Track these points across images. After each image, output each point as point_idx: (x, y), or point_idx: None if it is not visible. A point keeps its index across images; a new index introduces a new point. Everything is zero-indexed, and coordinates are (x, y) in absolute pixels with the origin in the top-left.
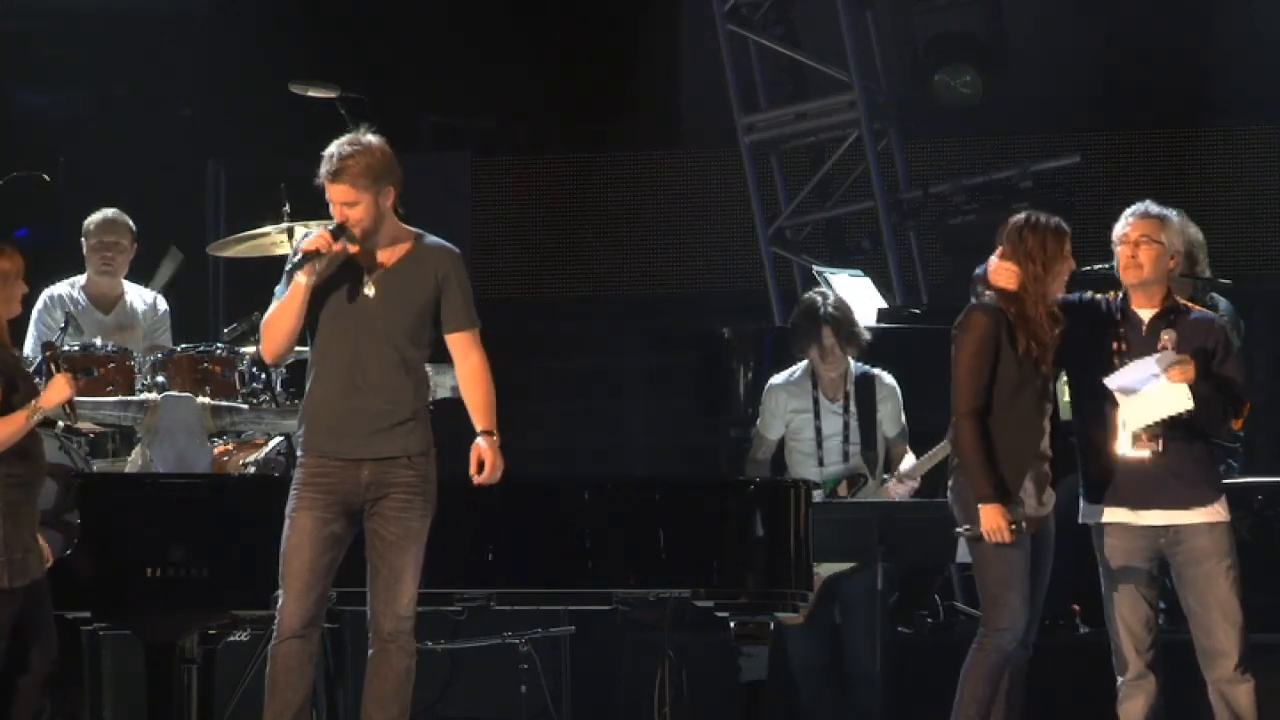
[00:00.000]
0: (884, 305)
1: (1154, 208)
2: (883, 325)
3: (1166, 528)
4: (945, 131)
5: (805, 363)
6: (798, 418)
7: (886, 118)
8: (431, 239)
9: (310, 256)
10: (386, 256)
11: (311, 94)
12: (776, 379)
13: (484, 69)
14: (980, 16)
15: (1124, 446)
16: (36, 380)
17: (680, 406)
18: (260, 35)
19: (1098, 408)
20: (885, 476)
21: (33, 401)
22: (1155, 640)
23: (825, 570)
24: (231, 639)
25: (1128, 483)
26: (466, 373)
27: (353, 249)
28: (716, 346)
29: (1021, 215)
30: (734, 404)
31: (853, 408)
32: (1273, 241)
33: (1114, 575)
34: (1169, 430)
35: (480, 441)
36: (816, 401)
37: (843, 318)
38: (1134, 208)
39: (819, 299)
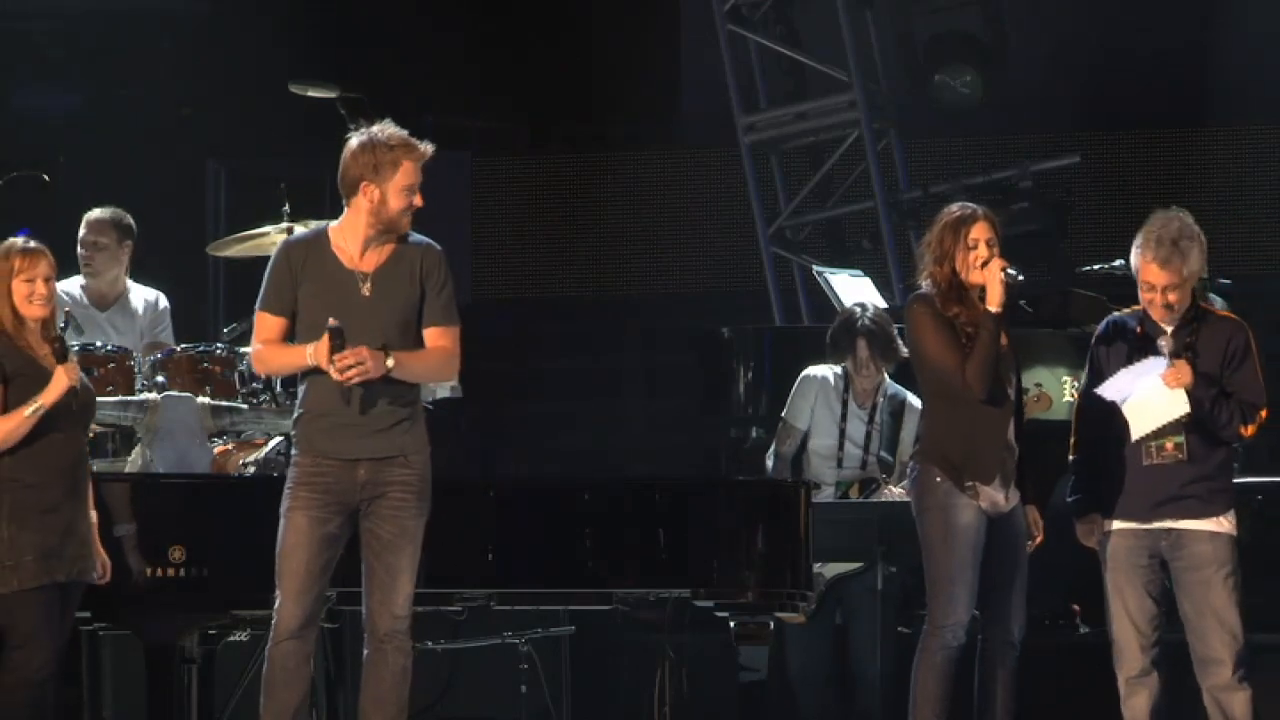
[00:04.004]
0: (884, 305)
1: (1169, 243)
2: None
3: (1169, 531)
4: (945, 131)
5: (844, 365)
6: (824, 414)
7: (886, 118)
8: (415, 236)
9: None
10: (375, 257)
11: (311, 94)
12: (814, 370)
13: (484, 69)
14: (980, 16)
15: (1148, 456)
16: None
17: (680, 406)
18: (260, 35)
19: (1118, 425)
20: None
21: (35, 398)
22: (1159, 639)
23: (830, 571)
24: (231, 639)
25: (1143, 493)
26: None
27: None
28: (716, 346)
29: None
30: (734, 404)
31: (879, 418)
32: (1273, 241)
33: (1118, 573)
34: (1192, 437)
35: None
36: (846, 404)
37: (880, 331)
38: (1150, 246)
39: (858, 310)
